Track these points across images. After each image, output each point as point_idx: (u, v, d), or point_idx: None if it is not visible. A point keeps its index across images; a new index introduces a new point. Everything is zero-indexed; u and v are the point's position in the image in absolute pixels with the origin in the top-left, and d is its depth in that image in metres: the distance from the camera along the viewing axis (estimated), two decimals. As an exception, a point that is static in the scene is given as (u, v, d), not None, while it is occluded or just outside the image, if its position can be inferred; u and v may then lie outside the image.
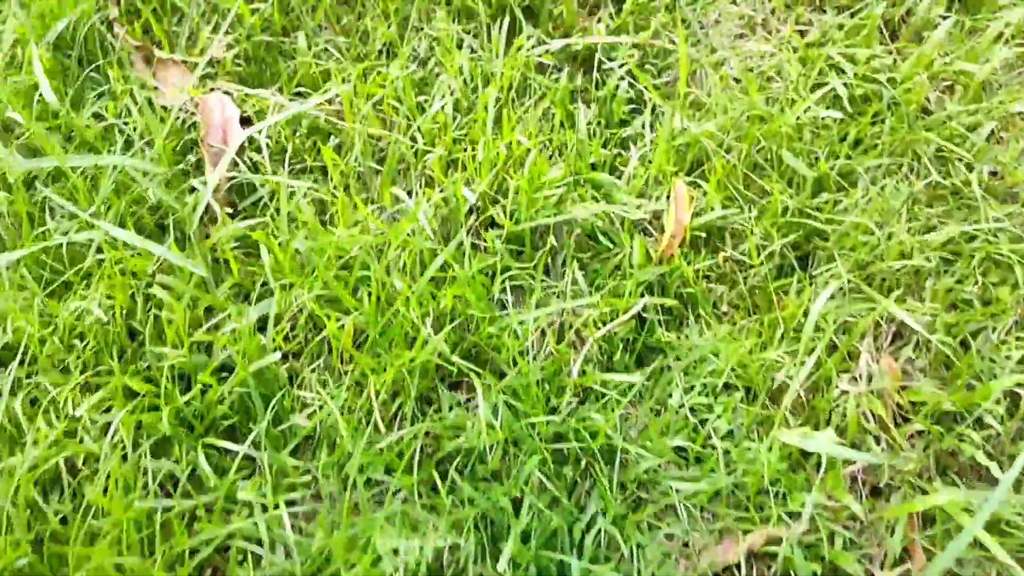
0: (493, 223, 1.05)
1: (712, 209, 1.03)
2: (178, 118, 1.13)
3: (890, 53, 1.17)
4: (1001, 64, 1.12)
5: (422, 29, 1.22)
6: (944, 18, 1.21)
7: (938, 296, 0.99)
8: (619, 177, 1.09)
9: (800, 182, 1.04)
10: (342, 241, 0.97)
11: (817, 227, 1.02)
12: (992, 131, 1.13)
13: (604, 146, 1.13)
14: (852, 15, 1.20)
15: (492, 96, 1.11)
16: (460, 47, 1.21)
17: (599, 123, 1.15)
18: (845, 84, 1.12)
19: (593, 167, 1.10)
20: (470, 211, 1.05)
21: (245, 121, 1.12)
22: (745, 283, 1.02)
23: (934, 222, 1.05)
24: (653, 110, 1.13)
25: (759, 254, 1.00)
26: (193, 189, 1.07)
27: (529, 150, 1.05)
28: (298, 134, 1.12)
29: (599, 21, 1.23)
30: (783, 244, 1.01)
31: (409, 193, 1.08)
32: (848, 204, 1.04)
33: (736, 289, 1.02)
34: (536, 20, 1.25)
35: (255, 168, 1.09)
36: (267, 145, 1.08)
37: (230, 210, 1.03)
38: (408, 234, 0.99)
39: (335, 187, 1.05)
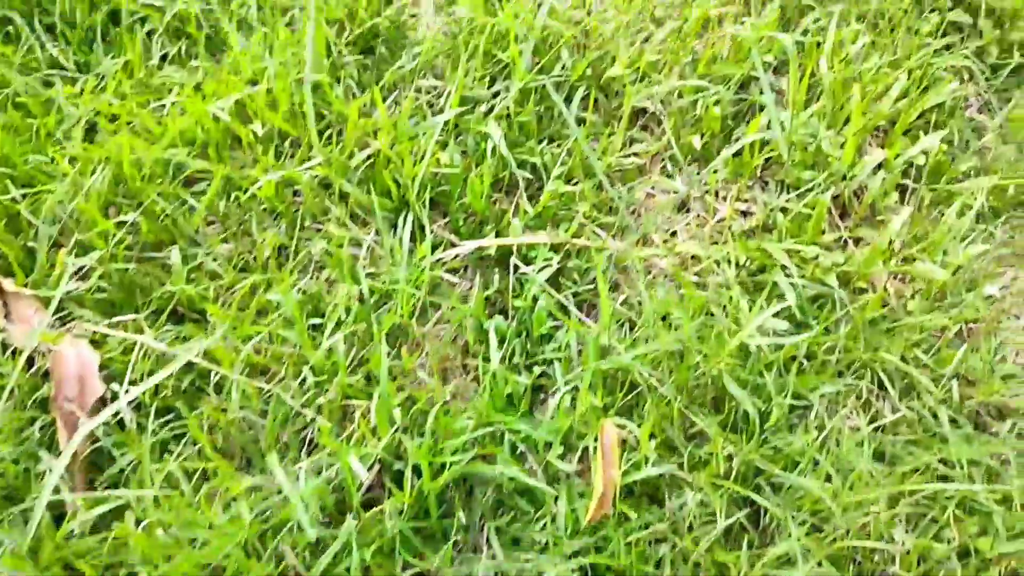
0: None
1: (646, 461, 0.89)
2: (30, 362, 0.98)
3: (840, 241, 1.04)
4: (965, 261, 0.99)
5: (319, 230, 1.08)
6: (901, 190, 1.09)
7: (910, 563, 0.86)
8: (540, 412, 0.95)
9: (743, 425, 0.91)
10: (213, 539, 0.82)
11: (768, 482, 0.89)
12: (961, 328, 1.01)
13: (528, 368, 0.99)
14: (799, 196, 1.06)
15: (393, 318, 0.97)
16: (360, 245, 1.07)
17: (519, 333, 1.01)
18: (792, 285, 0.99)
19: (510, 399, 0.96)
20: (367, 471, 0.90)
21: (105, 366, 0.97)
22: (691, 548, 0.88)
23: (899, 450, 0.92)
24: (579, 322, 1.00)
25: (701, 521, 0.87)
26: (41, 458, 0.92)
27: (433, 401, 0.91)
28: (170, 378, 0.97)
29: (516, 212, 1.09)
30: (728, 506, 0.87)
31: (300, 451, 0.93)
32: (804, 443, 0.90)
33: (678, 550, 0.89)
34: (446, 209, 1.11)
35: (120, 424, 0.94)
36: (131, 403, 0.93)
37: (81, 498, 0.87)
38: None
39: (208, 458, 0.90)
